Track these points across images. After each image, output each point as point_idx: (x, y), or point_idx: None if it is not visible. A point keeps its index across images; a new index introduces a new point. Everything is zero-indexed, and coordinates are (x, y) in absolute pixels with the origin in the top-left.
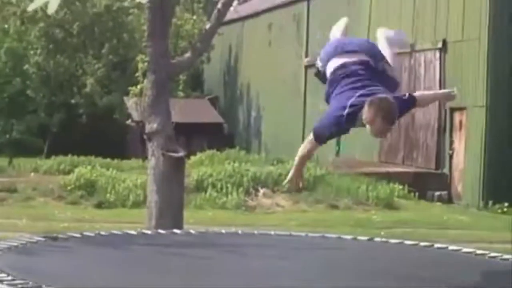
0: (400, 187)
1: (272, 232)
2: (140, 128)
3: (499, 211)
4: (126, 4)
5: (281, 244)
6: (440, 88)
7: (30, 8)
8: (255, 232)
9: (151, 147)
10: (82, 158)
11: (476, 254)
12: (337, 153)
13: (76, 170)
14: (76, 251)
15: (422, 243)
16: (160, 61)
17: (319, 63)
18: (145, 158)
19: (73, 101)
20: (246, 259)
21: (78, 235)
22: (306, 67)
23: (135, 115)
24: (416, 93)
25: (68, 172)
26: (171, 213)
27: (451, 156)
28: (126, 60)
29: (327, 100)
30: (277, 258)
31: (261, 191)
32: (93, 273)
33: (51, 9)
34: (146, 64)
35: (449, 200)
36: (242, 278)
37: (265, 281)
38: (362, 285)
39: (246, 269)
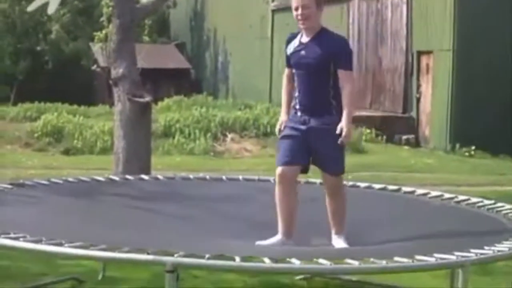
0: (368, 131)
1: (240, 177)
2: (106, 73)
3: (466, 154)
4: None
5: (249, 189)
6: (407, 33)
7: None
8: (223, 177)
9: (117, 92)
10: (48, 105)
11: (443, 199)
12: None
13: (43, 117)
14: (42, 199)
15: (390, 187)
16: (124, 5)
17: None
18: (112, 104)
19: (38, 48)
20: (215, 206)
21: (45, 182)
22: (273, 12)
23: (101, 61)
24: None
25: (35, 119)
26: (138, 159)
27: (418, 100)
28: (92, 5)
29: None
30: (242, 203)
31: (229, 136)
32: (53, 222)
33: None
34: (110, 8)
35: (416, 143)
36: (202, 222)
37: (226, 225)
38: (328, 230)
39: (213, 215)
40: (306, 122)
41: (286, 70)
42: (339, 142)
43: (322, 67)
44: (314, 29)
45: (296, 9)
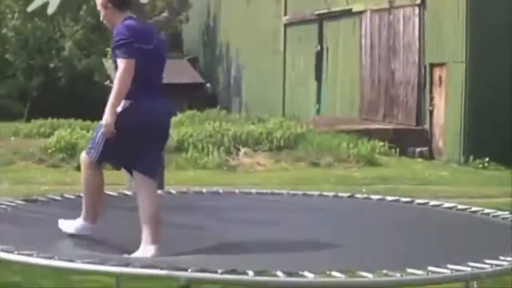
0: (381, 143)
1: (253, 191)
2: None
3: (480, 166)
4: None
5: (262, 203)
6: (419, 45)
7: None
8: (236, 191)
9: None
10: (62, 121)
11: (457, 209)
12: (318, 111)
13: (56, 133)
14: (55, 214)
15: (403, 199)
16: None
17: None
18: None
19: (52, 64)
20: (227, 219)
21: (58, 198)
22: (285, 26)
23: (114, 77)
24: None
25: (49, 135)
26: None
27: (431, 112)
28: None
29: None
30: (255, 216)
31: (242, 150)
32: (66, 238)
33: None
34: None
35: (430, 156)
36: (221, 238)
37: (243, 243)
38: (344, 242)
39: (226, 229)
40: None
41: None
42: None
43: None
44: (113, 26)
45: (100, 11)
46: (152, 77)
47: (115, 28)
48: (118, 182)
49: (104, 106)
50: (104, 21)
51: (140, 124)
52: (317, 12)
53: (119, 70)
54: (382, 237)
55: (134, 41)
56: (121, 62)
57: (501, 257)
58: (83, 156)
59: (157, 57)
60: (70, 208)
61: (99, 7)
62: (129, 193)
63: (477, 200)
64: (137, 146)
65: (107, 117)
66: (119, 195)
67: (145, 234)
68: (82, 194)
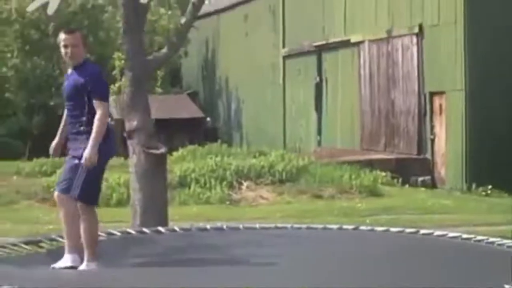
0: (383, 174)
1: (257, 225)
2: (120, 126)
3: (483, 193)
4: (100, 1)
5: (267, 238)
6: (418, 74)
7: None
8: (240, 226)
9: (131, 144)
10: (63, 159)
11: (462, 239)
12: (319, 143)
13: (58, 171)
14: (60, 255)
15: (408, 230)
16: (136, 58)
17: None
18: (126, 156)
19: (52, 102)
20: (232, 254)
21: (61, 238)
22: (284, 58)
23: (115, 113)
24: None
25: (50, 174)
26: (155, 210)
27: (432, 141)
28: (103, 58)
29: None
30: (263, 253)
31: (245, 184)
32: (70, 278)
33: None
34: (123, 61)
35: (432, 185)
36: (227, 273)
37: (250, 275)
38: (350, 275)
39: (232, 265)
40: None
41: None
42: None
43: (76, 96)
44: (78, 62)
45: (65, 47)
46: None
47: (86, 67)
48: (118, 219)
49: None
50: (67, 59)
51: (107, 159)
52: (315, 44)
53: (100, 112)
54: (388, 269)
55: None
56: (101, 105)
57: (507, 286)
58: (62, 195)
59: None
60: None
61: (67, 46)
62: (132, 232)
63: (481, 228)
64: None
65: (92, 153)
66: (122, 233)
67: (88, 252)
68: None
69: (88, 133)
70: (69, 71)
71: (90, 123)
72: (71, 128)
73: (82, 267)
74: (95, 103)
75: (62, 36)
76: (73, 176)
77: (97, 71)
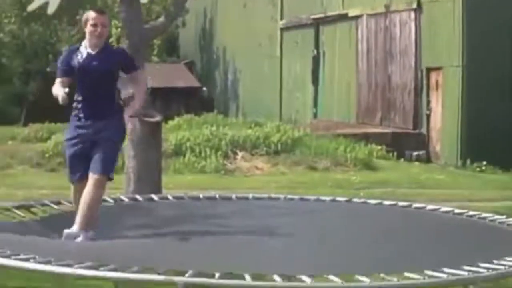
0: (379, 147)
1: (250, 196)
2: (117, 93)
3: (477, 169)
4: None
5: (259, 208)
6: (416, 49)
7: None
8: (233, 196)
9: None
10: (59, 125)
11: (454, 213)
12: (315, 115)
13: (54, 137)
14: (53, 220)
15: (401, 203)
16: (133, 26)
17: None
18: None
19: (48, 69)
20: (224, 224)
21: (55, 204)
22: (282, 30)
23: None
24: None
25: (46, 140)
26: (149, 178)
27: (428, 116)
28: None
29: None
30: (254, 223)
31: (240, 154)
32: (63, 243)
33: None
34: (119, 29)
35: (427, 159)
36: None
37: (240, 247)
38: (341, 246)
39: (223, 234)
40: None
41: (61, 79)
42: (132, 113)
43: (108, 75)
44: (103, 42)
45: (95, 25)
46: None
47: (110, 47)
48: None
49: None
50: (95, 38)
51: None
52: (313, 17)
53: (143, 76)
54: (379, 241)
55: None
56: (141, 72)
57: (497, 261)
58: (102, 177)
59: None
60: (67, 214)
61: (97, 25)
62: (125, 199)
63: (475, 203)
64: None
65: (140, 106)
66: (116, 201)
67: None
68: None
69: (117, 111)
70: (86, 50)
71: (117, 100)
72: (90, 109)
73: (72, 231)
74: (136, 73)
75: (93, 15)
76: (100, 154)
77: (121, 47)
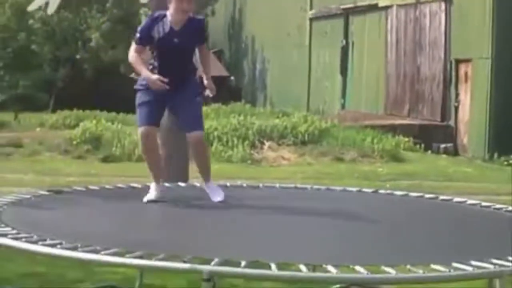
0: (406, 139)
1: (277, 185)
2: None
3: (505, 163)
4: None
5: (286, 197)
6: (445, 41)
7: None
8: (260, 185)
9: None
10: (87, 112)
11: (482, 206)
12: (343, 106)
13: (82, 124)
14: (80, 205)
15: (427, 195)
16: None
17: None
18: None
19: (78, 56)
20: (250, 212)
21: (83, 189)
22: (311, 20)
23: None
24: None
25: (74, 127)
26: (176, 166)
27: (456, 108)
28: (131, 13)
29: None
30: (280, 212)
31: (267, 144)
32: (90, 229)
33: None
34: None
35: (455, 152)
36: (240, 232)
37: (266, 234)
38: (365, 237)
39: (249, 222)
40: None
41: (138, 47)
42: (209, 94)
43: (192, 47)
44: (185, 19)
45: (182, 1)
46: None
47: (198, 20)
48: (140, 174)
49: (130, 98)
50: (185, 15)
51: None
52: (343, 7)
53: (208, 51)
54: (405, 233)
55: None
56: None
57: None
58: (200, 133)
59: None
60: (94, 200)
61: (190, 1)
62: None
63: (502, 197)
64: None
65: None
66: (143, 187)
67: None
68: (106, 186)
69: (195, 75)
70: (169, 25)
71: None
72: (167, 77)
73: (208, 187)
74: (203, 46)
75: None
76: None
77: (202, 18)
